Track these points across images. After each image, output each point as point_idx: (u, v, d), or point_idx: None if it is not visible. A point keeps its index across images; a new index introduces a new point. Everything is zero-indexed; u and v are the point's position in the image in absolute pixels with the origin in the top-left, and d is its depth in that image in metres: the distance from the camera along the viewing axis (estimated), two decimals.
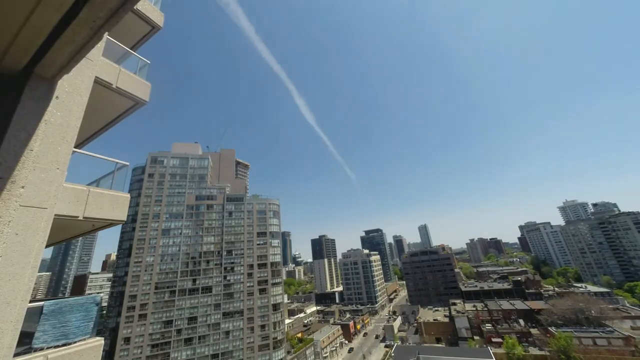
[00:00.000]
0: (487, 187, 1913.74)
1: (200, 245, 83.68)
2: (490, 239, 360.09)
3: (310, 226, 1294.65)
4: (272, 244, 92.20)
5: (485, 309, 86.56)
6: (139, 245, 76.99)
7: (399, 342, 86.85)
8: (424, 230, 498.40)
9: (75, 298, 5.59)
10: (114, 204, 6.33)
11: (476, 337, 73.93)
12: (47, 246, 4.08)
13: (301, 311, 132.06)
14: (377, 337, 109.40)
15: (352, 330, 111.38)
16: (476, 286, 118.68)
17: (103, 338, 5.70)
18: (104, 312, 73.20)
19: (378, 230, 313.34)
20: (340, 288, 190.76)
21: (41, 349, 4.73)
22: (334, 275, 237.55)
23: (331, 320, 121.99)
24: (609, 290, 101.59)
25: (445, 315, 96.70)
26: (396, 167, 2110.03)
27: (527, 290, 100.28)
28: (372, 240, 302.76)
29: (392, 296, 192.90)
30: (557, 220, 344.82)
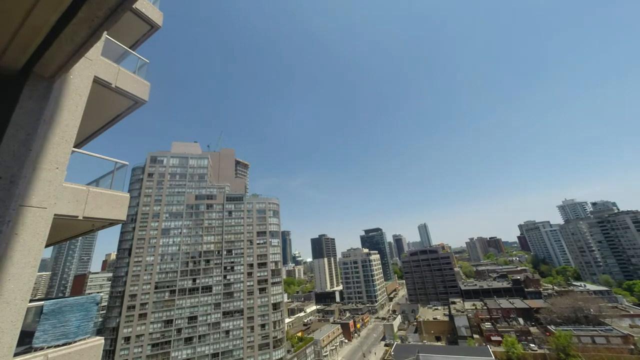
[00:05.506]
0: (486, 186, 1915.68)
1: (200, 244, 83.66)
2: (489, 238, 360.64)
3: (310, 225, 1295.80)
4: (272, 244, 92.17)
5: (485, 307, 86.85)
6: (139, 244, 76.97)
7: (399, 341, 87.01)
8: (423, 230, 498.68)
9: (75, 298, 5.57)
10: (113, 203, 6.32)
11: (476, 336, 74.11)
12: (47, 246, 4.08)
13: (301, 310, 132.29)
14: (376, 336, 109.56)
15: (352, 329, 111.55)
16: (475, 285, 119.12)
17: (103, 337, 5.70)
18: (104, 311, 73.18)
19: (378, 230, 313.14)
20: (340, 287, 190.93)
21: (41, 349, 4.73)
22: (334, 275, 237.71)
23: (331, 319, 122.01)
24: (607, 288, 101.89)
25: (444, 314, 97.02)
26: (396, 167, 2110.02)
27: (526, 289, 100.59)
28: (372, 239, 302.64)
29: (391, 295, 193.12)
30: (557, 219, 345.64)
